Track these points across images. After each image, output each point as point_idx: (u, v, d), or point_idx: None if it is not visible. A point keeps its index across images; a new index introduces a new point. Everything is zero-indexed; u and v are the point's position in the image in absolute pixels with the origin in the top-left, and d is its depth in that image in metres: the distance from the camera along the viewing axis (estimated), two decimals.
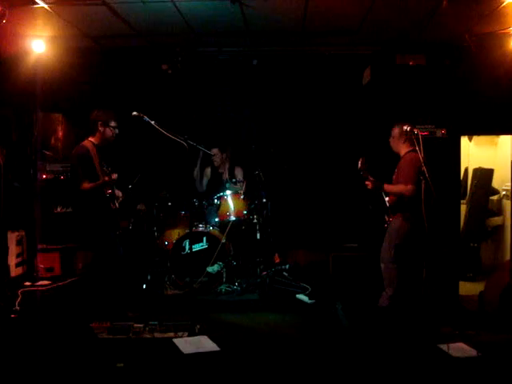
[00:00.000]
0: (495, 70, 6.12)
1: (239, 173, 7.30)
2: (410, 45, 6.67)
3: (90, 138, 5.19)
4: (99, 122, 5.15)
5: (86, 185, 4.93)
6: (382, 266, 5.27)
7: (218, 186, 7.09)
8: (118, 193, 5.47)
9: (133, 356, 4.16)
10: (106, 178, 5.05)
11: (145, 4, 5.34)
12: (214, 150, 7.06)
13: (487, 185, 7.35)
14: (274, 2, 5.36)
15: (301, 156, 7.55)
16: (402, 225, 5.09)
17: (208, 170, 7.40)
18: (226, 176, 7.24)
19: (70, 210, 6.87)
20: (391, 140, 5.36)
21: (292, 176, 7.52)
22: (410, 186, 4.90)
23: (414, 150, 4.90)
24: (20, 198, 6.77)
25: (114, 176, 5.16)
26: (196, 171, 7.22)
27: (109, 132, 5.20)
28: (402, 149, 5.26)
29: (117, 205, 5.28)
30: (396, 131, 5.27)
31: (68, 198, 6.85)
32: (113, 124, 5.20)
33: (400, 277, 5.12)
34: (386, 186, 5.14)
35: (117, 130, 5.26)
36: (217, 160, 7.20)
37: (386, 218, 5.36)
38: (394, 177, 5.28)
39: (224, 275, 6.28)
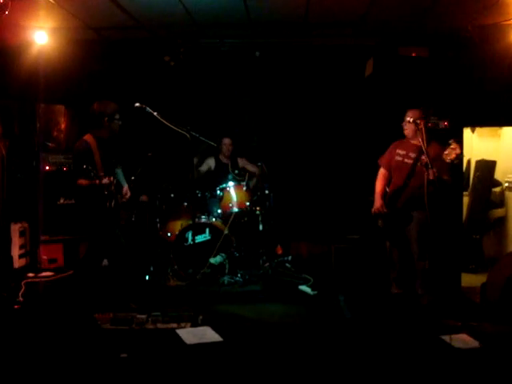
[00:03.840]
0: (498, 61, 6.12)
1: (244, 163, 7.21)
2: (412, 36, 6.67)
3: (93, 132, 5.06)
4: (105, 118, 5.01)
5: (81, 181, 4.82)
6: (425, 263, 5.11)
7: (222, 177, 6.95)
8: (126, 190, 5.32)
9: (136, 347, 4.17)
10: (97, 182, 4.75)
11: None
12: (226, 140, 7.06)
13: (490, 176, 7.35)
14: None
15: (303, 147, 7.54)
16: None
17: (211, 161, 7.23)
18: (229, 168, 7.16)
19: (72, 201, 6.86)
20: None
21: (295, 168, 7.52)
22: None
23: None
24: (23, 190, 6.79)
25: (105, 181, 4.80)
26: (196, 160, 7.11)
27: (115, 126, 5.09)
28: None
29: (112, 204, 4.98)
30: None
31: (71, 189, 6.86)
32: (117, 117, 5.07)
33: None
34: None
35: (121, 122, 5.14)
36: (229, 149, 7.12)
37: (380, 223, 5.35)
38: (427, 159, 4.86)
39: (227, 266, 6.28)
